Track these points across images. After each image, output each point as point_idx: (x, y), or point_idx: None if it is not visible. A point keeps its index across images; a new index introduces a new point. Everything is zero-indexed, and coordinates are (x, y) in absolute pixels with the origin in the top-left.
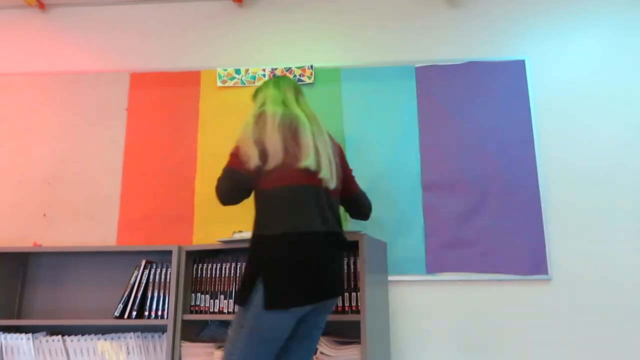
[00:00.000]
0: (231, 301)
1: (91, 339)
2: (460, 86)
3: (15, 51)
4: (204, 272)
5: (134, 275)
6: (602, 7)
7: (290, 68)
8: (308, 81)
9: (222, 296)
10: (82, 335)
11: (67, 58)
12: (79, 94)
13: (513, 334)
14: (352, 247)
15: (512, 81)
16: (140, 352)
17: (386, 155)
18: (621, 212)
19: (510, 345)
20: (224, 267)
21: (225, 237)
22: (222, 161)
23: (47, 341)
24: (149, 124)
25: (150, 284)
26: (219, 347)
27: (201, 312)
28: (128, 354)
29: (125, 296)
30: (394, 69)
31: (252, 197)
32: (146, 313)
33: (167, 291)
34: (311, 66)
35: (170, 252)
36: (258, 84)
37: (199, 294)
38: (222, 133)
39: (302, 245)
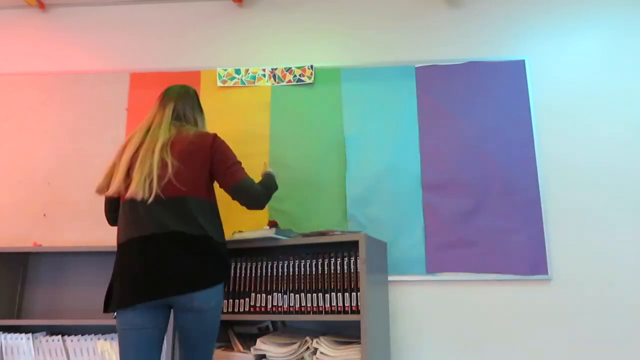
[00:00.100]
0: (231, 300)
1: (91, 339)
2: (460, 86)
3: (15, 51)
4: None
5: None
6: (602, 7)
7: (290, 68)
8: (308, 81)
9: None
10: (82, 335)
11: (67, 58)
12: (79, 94)
13: (513, 334)
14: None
15: (512, 81)
16: None
17: (386, 155)
18: (621, 212)
19: (510, 345)
20: None
21: None
22: None
23: (47, 341)
24: None
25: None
26: (220, 347)
27: None
28: None
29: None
30: (394, 69)
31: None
32: None
33: None
34: (311, 66)
35: None
36: (258, 84)
37: None
38: (222, 133)
39: (120, 254)
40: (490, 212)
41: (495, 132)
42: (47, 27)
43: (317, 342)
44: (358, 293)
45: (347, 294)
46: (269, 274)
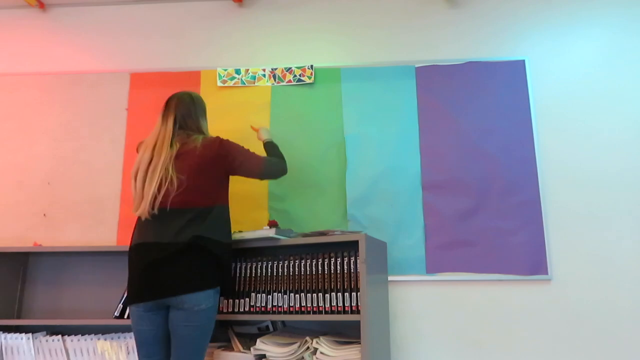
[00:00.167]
0: (231, 300)
1: (91, 339)
2: (460, 86)
3: (15, 51)
4: None
5: None
6: (602, 7)
7: (290, 68)
8: (308, 81)
9: (223, 296)
10: (82, 335)
11: (67, 58)
12: (79, 94)
13: (513, 334)
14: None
15: (512, 81)
16: None
17: (386, 155)
18: (621, 212)
19: (510, 345)
20: None
21: None
22: None
23: (47, 341)
24: (149, 124)
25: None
26: (220, 347)
27: None
28: (128, 354)
29: (125, 296)
30: (394, 69)
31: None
32: None
33: None
34: (311, 66)
35: None
36: (258, 84)
37: None
38: (222, 133)
39: (129, 256)
40: (490, 212)
41: (495, 132)
42: (47, 27)
43: (317, 342)
44: (358, 293)
45: (347, 294)
46: (269, 274)
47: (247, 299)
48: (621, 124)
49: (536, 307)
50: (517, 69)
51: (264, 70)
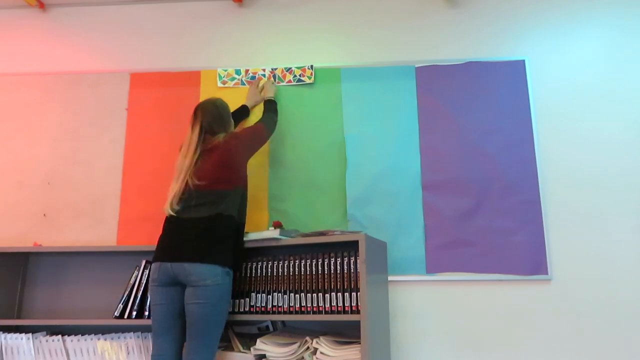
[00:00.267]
0: (232, 300)
1: (91, 339)
2: (460, 86)
3: (15, 51)
4: None
5: (134, 275)
6: (602, 7)
7: (290, 68)
8: (308, 81)
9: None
10: (82, 335)
11: (67, 58)
12: (79, 94)
13: (513, 334)
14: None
15: (512, 81)
16: (140, 352)
17: (386, 155)
18: (621, 212)
19: (510, 345)
20: None
21: None
22: None
23: (47, 341)
24: (149, 124)
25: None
26: (220, 347)
27: None
28: (128, 354)
29: (125, 296)
30: (394, 69)
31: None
32: (146, 313)
33: None
34: (311, 66)
35: None
36: (259, 83)
37: None
38: None
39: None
40: (490, 212)
41: (495, 132)
42: (47, 27)
43: (317, 342)
44: (358, 293)
45: (347, 294)
46: (269, 274)
47: (247, 299)
48: (621, 124)
49: (536, 307)
50: (517, 69)
51: (264, 70)
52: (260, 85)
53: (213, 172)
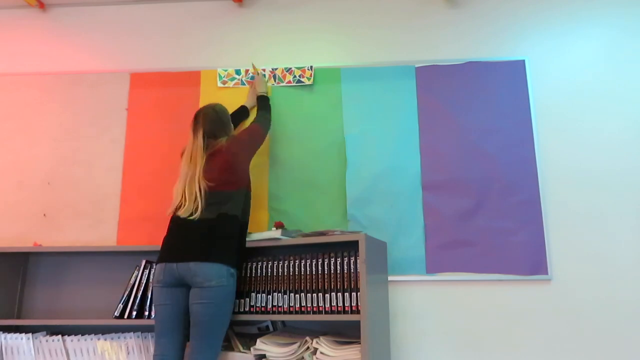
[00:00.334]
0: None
1: (91, 339)
2: (460, 86)
3: (15, 51)
4: None
5: (134, 275)
6: (602, 7)
7: (290, 68)
8: (307, 82)
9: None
10: (82, 335)
11: (67, 58)
12: (79, 94)
13: (513, 334)
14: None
15: (512, 81)
16: (140, 352)
17: (386, 155)
18: (621, 212)
19: (510, 345)
20: None
21: None
22: None
23: (47, 341)
24: (149, 124)
25: (151, 284)
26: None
27: None
28: (128, 354)
29: (125, 296)
30: (394, 69)
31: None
32: (146, 313)
33: None
34: (311, 67)
35: None
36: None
37: None
38: None
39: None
40: (490, 212)
41: (495, 132)
42: (47, 27)
43: (317, 342)
44: (358, 293)
45: (347, 294)
46: (269, 274)
47: (247, 299)
48: (621, 124)
49: (536, 307)
50: (517, 69)
51: (264, 70)
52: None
53: (218, 175)
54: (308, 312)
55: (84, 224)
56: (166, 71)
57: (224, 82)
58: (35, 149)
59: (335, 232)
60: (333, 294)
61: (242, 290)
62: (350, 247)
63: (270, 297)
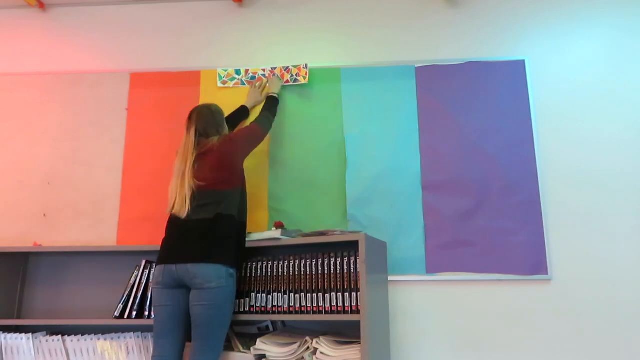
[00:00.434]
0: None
1: (91, 339)
2: (460, 86)
3: (15, 51)
4: None
5: (134, 275)
6: (602, 7)
7: (288, 67)
8: (303, 81)
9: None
10: (82, 335)
11: (67, 58)
12: (79, 94)
13: (513, 334)
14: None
15: (512, 81)
16: (140, 352)
17: (386, 155)
18: (621, 212)
19: (510, 345)
20: None
21: None
22: None
23: (47, 341)
24: (149, 124)
25: (151, 284)
26: None
27: None
28: (128, 354)
29: (125, 296)
30: (394, 69)
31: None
32: (146, 313)
33: None
34: (306, 65)
35: None
36: (258, 84)
37: None
38: None
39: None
40: (490, 212)
41: (495, 132)
42: (47, 27)
43: (317, 342)
44: (358, 293)
45: (347, 294)
46: (269, 274)
47: (247, 299)
48: (621, 124)
49: (536, 307)
50: (517, 69)
51: (263, 70)
52: (264, 83)
53: (210, 174)
54: (308, 312)
55: (84, 224)
56: (166, 71)
57: (224, 82)
58: (35, 149)
59: (335, 232)
60: (333, 294)
61: (242, 290)
62: (350, 247)
63: (270, 297)
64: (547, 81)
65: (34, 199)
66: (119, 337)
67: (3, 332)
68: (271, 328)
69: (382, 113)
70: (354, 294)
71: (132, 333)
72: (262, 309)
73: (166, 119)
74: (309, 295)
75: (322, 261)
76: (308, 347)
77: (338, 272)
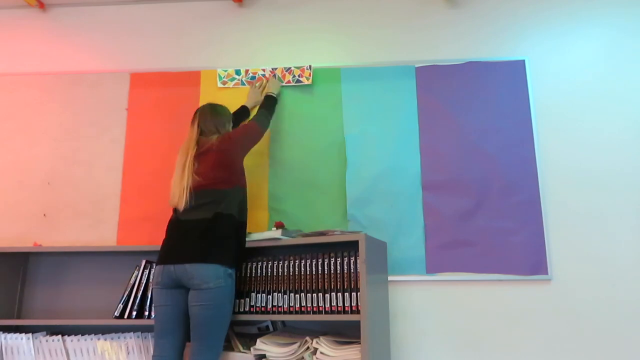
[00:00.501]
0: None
1: (91, 339)
2: (460, 86)
3: (15, 51)
4: None
5: (134, 275)
6: (602, 7)
7: (289, 68)
8: (306, 82)
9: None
10: (82, 335)
11: (67, 58)
12: (79, 94)
13: (513, 334)
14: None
15: (512, 81)
16: (140, 352)
17: (386, 155)
18: (621, 212)
19: (510, 345)
20: None
21: None
22: None
23: (47, 341)
24: (149, 124)
25: (151, 284)
26: None
27: None
28: (128, 354)
29: (125, 296)
30: (394, 69)
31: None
32: (146, 313)
33: None
34: (309, 66)
35: None
36: (258, 84)
37: None
38: None
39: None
40: (490, 212)
41: (495, 132)
42: (47, 27)
43: (317, 342)
44: (358, 293)
45: (347, 294)
46: (269, 274)
47: (247, 299)
48: (621, 124)
49: (536, 307)
50: (517, 69)
51: (263, 70)
52: (264, 83)
53: (210, 173)
54: (308, 312)
55: (84, 224)
56: (166, 71)
57: (224, 83)
58: (35, 149)
59: (335, 232)
60: (333, 294)
61: (242, 290)
62: (350, 247)
63: (270, 297)
64: (547, 81)
65: (34, 199)
66: (119, 337)
67: (3, 332)
68: (271, 328)
69: (382, 113)
70: (354, 294)
71: (132, 333)
72: (262, 309)
73: (166, 119)
74: (309, 295)
75: (322, 261)
76: (308, 347)
77: (338, 272)
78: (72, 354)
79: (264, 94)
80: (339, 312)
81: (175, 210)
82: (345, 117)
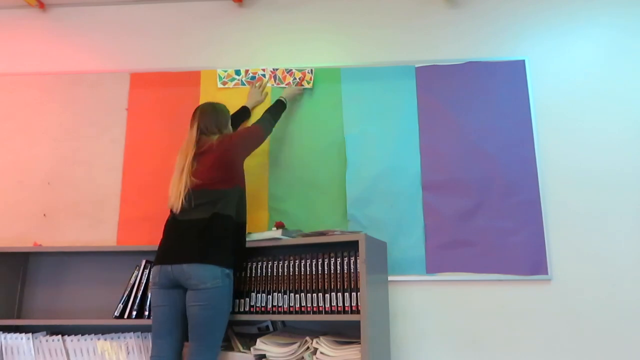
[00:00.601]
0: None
1: (91, 339)
2: (460, 86)
3: (15, 51)
4: None
5: (134, 275)
6: (602, 7)
7: (290, 70)
8: (307, 86)
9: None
10: (82, 335)
11: (67, 58)
12: (79, 94)
13: (513, 334)
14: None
15: (512, 81)
16: (140, 352)
17: (386, 155)
18: (621, 212)
19: (510, 345)
20: None
21: None
22: None
23: (47, 341)
24: (149, 124)
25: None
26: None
27: None
28: (128, 354)
29: (125, 296)
30: (394, 69)
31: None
32: (146, 313)
33: None
34: (311, 70)
35: None
36: (258, 84)
37: None
38: None
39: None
40: (490, 212)
41: (495, 132)
42: (47, 27)
43: (317, 342)
44: (358, 293)
45: (347, 294)
46: (269, 274)
47: (247, 299)
48: (621, 124)
49: (536, 307)
50: (517, 69)
51: (264, 70)
52: (264, 83)
53: (209, 173)
54: (308, 312)
55: (84, 224)
56: (166, 71)
57: (224, 83)
58: (35, 149)
59: (335, 232)
60: (333, 294)
61: (242, 290)
62: (350, 247)
63: (270, 297)
64: (547, 81)
65: (34, 199)
66: (119, 337)
67: (3, 332)
68: (271, 328)
69: (382, 113)
70: (354, 294)
71: (132, 333)
72: (262, 309)
73: (166, 119)
74: (309, 295)
75: (322, 261)
76: (308, 347)
77: (338, 272)
78: (72, 354)
79: (264, 94)
80: (339, 312)
81: (172, 210)
82: (345, 117)
